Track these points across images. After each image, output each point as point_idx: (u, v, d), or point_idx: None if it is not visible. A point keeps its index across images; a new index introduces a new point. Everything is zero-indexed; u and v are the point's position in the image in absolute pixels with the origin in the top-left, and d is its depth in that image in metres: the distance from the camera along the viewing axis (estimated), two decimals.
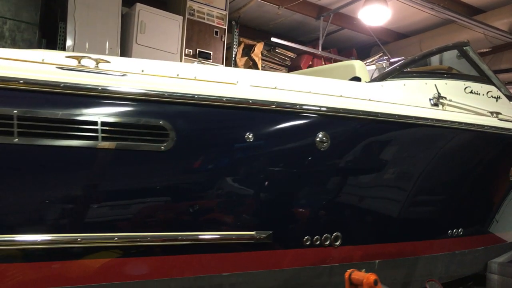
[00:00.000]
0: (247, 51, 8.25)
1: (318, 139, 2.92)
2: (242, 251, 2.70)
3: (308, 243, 2.95)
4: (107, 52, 6.66)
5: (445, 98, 3.82)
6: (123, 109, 2.35)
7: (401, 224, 3.54)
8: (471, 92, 4.28)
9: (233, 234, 2.64)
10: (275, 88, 2.92)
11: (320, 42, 8.93)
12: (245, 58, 8.15)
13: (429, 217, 3.76)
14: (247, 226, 2.70)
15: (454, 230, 3.97)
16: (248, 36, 8.53)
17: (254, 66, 8.15)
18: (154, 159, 2.38)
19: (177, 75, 2.64)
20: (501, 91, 4.72)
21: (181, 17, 7.43)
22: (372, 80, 3.71)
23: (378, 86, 3.62)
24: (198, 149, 2.53)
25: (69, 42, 6.38)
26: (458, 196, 3.98)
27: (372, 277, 2.26)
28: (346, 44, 10.25)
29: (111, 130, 2.26)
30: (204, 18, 7.66)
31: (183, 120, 2.49)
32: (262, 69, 8.31)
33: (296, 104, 2.87)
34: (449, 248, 3.98)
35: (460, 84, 4.25)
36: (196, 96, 2.52)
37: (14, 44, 6.33)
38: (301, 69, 8.95)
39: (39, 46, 6.52)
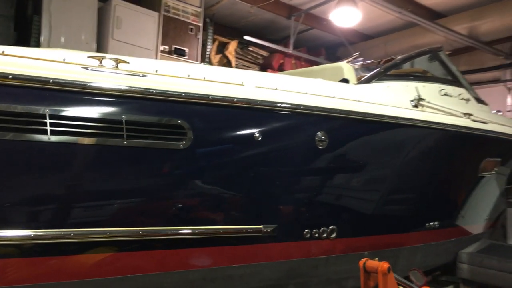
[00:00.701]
0: (221, 48, 8.35)
1: (317, 138, 3.10)
2: (251, 244, 2.85)
3: (308, 236, 3.13)
4: (83, 47, 6.59)
5: (424, 100, 4.09)
6: (145, 109, 2.44)
7: (387, 218, 3.80)
8: (445, 94, 4.59)
9: (243, 228, 2.79)
10: (276, 89, 3.08)
11: (291, 41, 9.13)
12: (219, 56, 8.25)
13: (411, 211, 4.04)
14: (255, 220, 2.85)
15: (431, 223, 4.27)
16: (222, 34, 8.63)
17: (228, 63, 8.26)
18: (173, 157, 2.49)
19: (188, 75, 2.74)
20: (470, 93, 5.09)
21: (157, 13, 7.44)
22: (359, 82, 3.93)
23: (366, 88, 3.85)
24: (212, 147, 2.66)
25: (44, 36, 6.28)
26: (435, 191, 4.28)
27: (385, 265, 2.47)
28: (315, 43, 10.50)
29: (135, 129, 2.35)
30: (179, 15, 7.69)
31: (199, 119, 2.61)
32: (235, 67, 8.43)
33: (299, 105, 3.04)
34: (427, 240, 4.27)
35: (436, 86, 4.55)
36: (210, 97, 2.65)
37: None
38: (272, 67, 9.15)
39: (12, 39, 6.39)
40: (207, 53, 8.14)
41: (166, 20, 7.54)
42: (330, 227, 3.25)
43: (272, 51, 9.19)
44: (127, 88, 2.37)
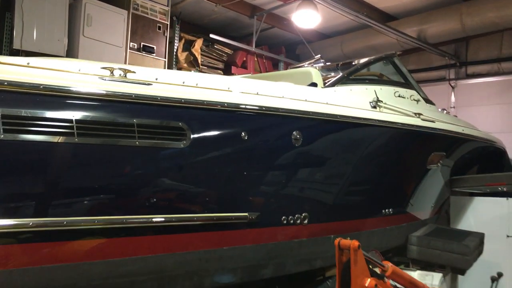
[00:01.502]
0: (187, 46, 8.66)
1: (293, 136, 3.57)
2: (238, 229, 3.29)
3: (285, 221, 3.60)
4: (55, 44, 6.74)
5: (381, 101, 4.64)
6: (151, 113, 2.82)
7: (349, 206, 4.33)
8: (399, 96, 5.18)
9: (232, 215, 3.22)
10: (257, 93, 3.52)
11: (254, 39, 9.57)
12: (186, 53, 8.57)
13: (370, 200, 4.59)
14: (241, 209, 3.29)
15: (386, 210, 4.85)
16: (188, 31, 8.94)
17: (195, 61, 8.60)
18: (176, 155, 2.89)
19: (183, 82, 3.14)
20: (420, 94, 5.71)
21: (126, 11, 7.66)
22: (326, 86, 4.43)
23: (332, 92, 4.36)
24: (207, 146, 3.07)
25: (16, 32, 6.39)
26: (389, 182, 4.86)
27: (356, 243, 2.96)
28: (276, 41, 10.98)
29: (146, 130, 2.73)
30: (147, 13, 7.95)
31: (196, 122, 3.00)
32: (201, 64, 8.78)
33: (277, 108, 3.49)
34: (382, 225, 4.85)
35: (391, 89, 5.13)
36: (205, 102, 3.05)
37: None
38: (236, 64, 9.57)
39: None
40: (174, 50, 8.44)
41: (135, 18, 7.78)
42: (303, 214, 3.74)
43: (235, 49, 9.59)
44: (137, 95, 2.74)
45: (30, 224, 2.33)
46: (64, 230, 2.47)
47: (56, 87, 2.45)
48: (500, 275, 4.44)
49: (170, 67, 8.30)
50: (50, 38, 6.68)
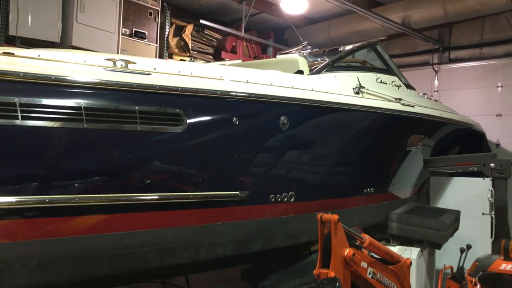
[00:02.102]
0: (178, 31, 8.85)
1: (281, 121, 3.86)
2: (230, 206, 3.60)
3: (273, 200, 3.92)
4: (49, 30, 6.91)
5: (364, 87, 4.94)
6: (151, 101, 3.09)
7: (333, 185, 4.66)
8: (381, 82, 5.48)
9: (225, 194, 3.53)
10: (247, 81, 3.80)
11: (243, 25, 9.77)
12: (176, 38, 8.76)
13: (352, 180, 4.93)
14: (233, 188, 3.59)
15: (368, 189, 5.19)
16: (178, 16, 9.11)
17: (185, 46, 8.80)
18: (174, 138, 3.17)
19: (179, 72, 3.41)
20: (401, 80, 6.02)
21: None
22: (312, 73, 4.71)
23: (317, 79, 4.64)
24: (202, 130, 3.36)
25: (12, 18, 6.55)
26: (371, 163, 5.19)
27: (336, 216, 3.28)
28: (264, 26, 11.17)
29: (147, 117, 3.01)
30: None
31: (192, 108, 3.28)
32: (191, 49, 8.99)
33: (266, 95, 3.78)
34: (364, 203, 5.20)
35: (373, 75, 5.43)
36: (199, 90, 3.33)
37: None
38: (226, 49, 9.78)
39: None
40: (166, 36, 8.64)
41: (127, 4, 7.94)
42: (290, 193, 4.06)
43: (225, 34, 9.79)
44: (138, 84, 3.01)
45: (47, 200, 2.61)
46: (76, 206, 2.76)
47: (65, 77, 2.71)
48: (469, 247, 4.80)
49: (161, 52, 8.50)
50: (45, 24, 6.84)
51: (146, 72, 3.13)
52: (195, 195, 3.38)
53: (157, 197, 3.15)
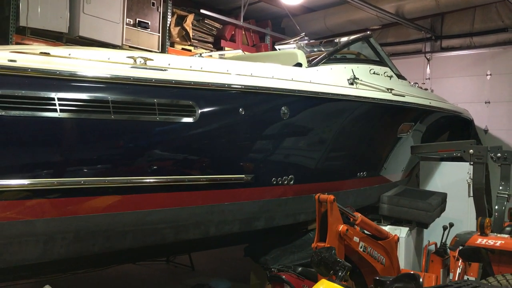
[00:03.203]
0: (179, 21, 9.13)
1: (282, 111, 4.25)
2: (236, 188, 4.01)
3: (274, 182, 4.33)
4: (57, 21, 7.20)
5: (358, 79, 5.33)
6: (167, 93, 3.47)
7: (329, 169, 5.07)
8: (374, 73, 5.87)
9: (232, 177, 3.93)
10: (251, 75, 4.18)
11: (242, 14, 10.08)
12: (178, 28, 9.05)
13: (346, 164, 5.35)
14: (239, 171, 3.99)
15: (361, 173, 5.61)
16: (180, 5, 9.40)
17: (187, 35, 9.09)
18: (187, 127, 3.56)
19: (190, 67, 3.78)
20: (393, 71, 6.40)
21: None
22: (310, 66, 5.08)
23: (315, 71, 5.02)
24: (212, 120, 3.74)
25: (22, 11, 6.83)
26: (363, 149, 5.61)
27: (332, 196, 3.68)
28: (262, 15, 11.45)
29: (164, 108, 3.39)
30: None
31: (203, 100, 3.66)
32: (192, 38, 9.30)
33: (268, 87, 4.16)
34: (357, 186, 5.62)
35: (366, 67, 5.81)
36: (210, 83, 3.71)
37: None
38: (225, 38, 10.09)
39: None
40: (167, 25, 8.93)
41: None
42: (290, 176, 4.46)
43: (224, 23, 10.10)
44: (156, 79, 3.38)
45: (82, 182, 3.01)
46: (105, 187, 3.16)
47: (94, 75, 3.08)
48: (451, 225, 5.23)
49: (163, 41, 8.79)
50: (54, 15, 7.12)
51: (163, 68, 3.50)
52: (206, 178, 3.78)
53: (173, 179, 3.55)
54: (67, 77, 2.96)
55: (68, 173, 2.99)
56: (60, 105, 2.90)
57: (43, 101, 2.86)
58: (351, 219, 3.89)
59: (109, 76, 3.15)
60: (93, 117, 3.05)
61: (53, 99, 2.89)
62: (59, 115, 2.90)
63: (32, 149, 2.89)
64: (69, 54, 3.18)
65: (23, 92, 2.79)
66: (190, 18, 9.21)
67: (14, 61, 2.77)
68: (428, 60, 11.47)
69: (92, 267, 4.54)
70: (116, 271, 6.37)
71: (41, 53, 3.02)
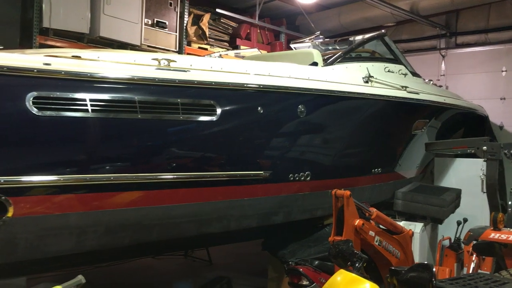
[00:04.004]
0: (196, 20, 9.31)
1: (298, 109, 4.39)
2: (255, 184, 4.17)
3: (291, 178, 4.48)
4: (79, 22, 7.41)
5: (373, 77, 5.44)
6: (190, 93, 3.63)
7: (344, 166, 5.20)
8: (388, 71, 5.97)
9: (251, 173, 4.09)
10: (269, 74, 4.32)
11: (257, 12, 10.23)
12: (195, 27, 9.22)
13: (361, 161, 5.46)
14: (258, 168, 4.15)
15: (376, 170, 5.72)
16: (196, 5, 9.57)
17: (203, 34, 9.26)
18: (209, 126, 3.72)
19: (211, 67, 3.94)
20: (407, 69, 6.49)
21: None
22: (325, 65, 5.20)
23: (330, 70, 5.14)
24: (232, 119, 3.90)
25: (45, 12, 7.05)
26: (379, 145, 5.71)
27: (348, 192, 3.82)
28: (277, 13, 11.58)
29: (187, 108, 3.55)
30: None
31: (223, 100, 3.81)
32: (208, 37, 9.46)
33: (286, 87, 4.30)
34: (372, 182, 5.74)
35: (381, 65, 5.91)
36: (230, 84, 3.86)
37: None
38: (241, 36, 10.24)
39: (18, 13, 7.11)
40: (184, 25, 9.11)
41: None
42: (306, 173, 4.60)
43: (240, 22, 10.25)
44: (179, 80, 3.54)
45: (112, 178, 3.19)
46: (134, 183, 3.34)
47: (122, 76, 3.26)
48: (465, 220, 5.32)
49: (180, 41, 8.97)
50: (75, 17, 7.33)
51: (185, 69, 3.66)
52: (226, 174, 3.94)
53: (195, 175, 3.71)
54: (97, 79, 3.14)
55: (99, 170, 3.17)
56: (91, 105, 3.08)
57: (76, 102, 3.05)
58: (367, 214, 4.02)
59: (136, 77, 3.32)
60: (121, 117, 3.23)
61: (84, 99, 3.07)
62: (90, 115, 3.08)
63: (68, 147, 3.07)
64: (98, 57, 3.36)
65: (57, 93, 2.98)
66: (207, 17, 9.38)
67: (49, 64, 2.96)
68: (443, 56, 11.49)
69: (116, 260, 4.74)
70: (137, 265, 6.59)
71: (73, 56, 3.20)
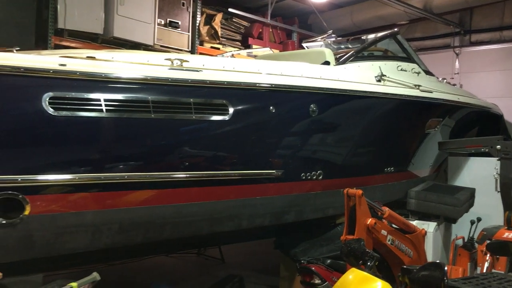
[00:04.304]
0: (208, 20, 9.36)
1: (310, 109, 4.40)
2: (267, 183, 4.19)
3: (303, 177, 4.49)
4: (93, 22, 7.49)
5: (385, 75, 5.42)
6: (202, 93, 3.66)
7: (357, 165, 5.19)
8: (401, 69, 5.94)
9: (262, 172, 4.11)
10: (281, 74, 4.34)
11: (269, 11, 10.24)
12: (207, 27, 9.27)
13: (374, 160, 5.45)
14: (270, 167, 4.17)
15: (388, 169, 5.71)
16: (208, 5, 9.61)
17: (215, 34, 9.31)
18: (221, 126, 3.75)
19: (223, 67, 3.97)
20: (420, 67, 6.46)
21: None
22: (337, 64, 5.20)
23: (342, 69, 5.14)
24: (244, 118, 3.92)
25: (59, 13, 7.14)
26: (392, 144, 5.69)
27: (360, 191, 3.82)
28: (289, 12, 11.58)
29: (200, 107, 3.59)
30: None
31: (235, 99, 3.84)
32: (221, 37, 9.51)
33: (298, 86, 4.32)
34: (385, 181, 5.73)
35: (394, 64, 5.89)
36: (242, 83, 3.89)
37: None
38: (253, 36, 10.26)
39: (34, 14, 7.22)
40: (197, 24, 9.16)
41: None
42: (318, 171, 4.61)
43: (252, 21, 10.27)
44: (192, 80, 3.58)
45: (125, 177, 3.24)
46: (145, 182, 3.38)
47: (136, 76, 3.30)
48: (479, 219, 5.28)
49: (193, 40, 9.03)
50: (89, 17, 7.42)
51: (198, 69, 3.69)
52: (238, 173, 3.96)
53: (208, 174, 3.75)
54: (111, 79, 3.19)
55: (113, 169, 3.22)
56: (105, 105, 3.13)
57: (90, 102, 3.10)
58: (379, 213, 4.02)
59: (149, 77, 3.36)
60: (135, 116, 3.27)
61: (99, 99, 3.12)
62: (104, 114, 3.13)
63: (82, 146, 3.13)
64: (112, 58, 3.41)
65: (72, 93, 3.03)
66: (219, 17, 9.42)
67: (64, 65, 3.01)
68: (457, 54, 11.41)
69: (130, 258, 4.80)
70: (150, 262, 6.65)
71: (87, 57, 3.26)
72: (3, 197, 2.86)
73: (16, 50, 3.08)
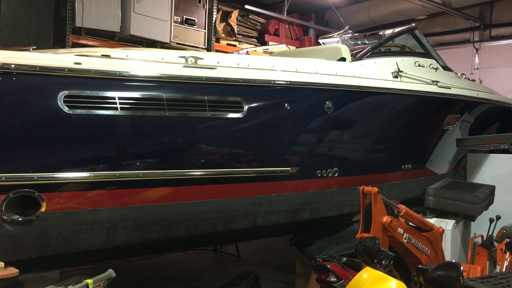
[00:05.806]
0: (224, 17, 9.35)
1: (326, 105, 4.36)
2: (282, 180, 4.17)
3: (319, 175, 4.46)
4: (109, 21, 7.54)
5: (402, 71, 5.34)
6: (217, 90, 3.66)
7: (373, 162, 5.14)
8: (419, 65, 5.86)
9: (278, 169, 4.10)
10: (296, 70, 4.31)
11: (285, 8, 10.20)
12: (223, 24, 9.27)
13: (391, 157, 5.39)
14: (285, 164, 4.15)
15: (405, 166, 5.64)
16: (225, 2, 9.62)
17: (231, 31, 9.31)
18: (236, 123, 3.74)
19: (238, 64, 3.95)
20: (438, 63, 6.35)
21: None
22: (353, 60, 5.15)
23: (358, 65, 5.08)
24: (259, 115, 3.91)
25: (77, 12, 7.21)
26: (409, 141, 5.62)
27: (376, 189, 3.78)
28: (305, 8, 11.51)
29: (214, 105, 3.58)
30: None
31: (250, 96, 3.82)
32: (237, 33, 9.49)
33: (313, 83, 4.28)
34: (402, 178, 5.66)
35: (411, 59, 5.80)
36: (256, 80, 3.87)
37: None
38: (269, 32, 10.23)
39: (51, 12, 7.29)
40: (213, 21, 9.16)
41: None
42: (334, 169, 4.58)
43: (268, 18, 10.23)
44: (206, 77, 3.58)
45: (140, 174, 3.26)
46: (159, 179, 3.40)
47: (150, 74, 3.31)
48: (498, 217, 5.19)
49: (209, 37, 9.03)
50: (106, 16, 7.48)
51: (212, 67, 3.69)
52: (253, 170, 3.96)
53: (223, 172, 3.75)
54: (126, 77, 3.21)
55: (128, 166, 3.24)
56: (120, 103, 3.15)
57: (105, 100, 3.12)
58: (395, 211, 3.97)
59: (163, 75, 3.37)
60: (150, 114, 3.28)
61: (114, 98, 3.14)
62: (119, 112, 3.15)
63: (97, 144, 3.15)
64: (127, 56, 3.42)
65: (87, 92, 3.06)
66: (235, 13, 9.41)
67: (79, 63, 3.03)
68: (477, 49, 11.20)
69: (146, 254, 4.83)
70: (167, 259, 6.70)
71: (102, 55, 3.28)
72: (19, 194, 2.90)
73: (33, 49, 3.11)
